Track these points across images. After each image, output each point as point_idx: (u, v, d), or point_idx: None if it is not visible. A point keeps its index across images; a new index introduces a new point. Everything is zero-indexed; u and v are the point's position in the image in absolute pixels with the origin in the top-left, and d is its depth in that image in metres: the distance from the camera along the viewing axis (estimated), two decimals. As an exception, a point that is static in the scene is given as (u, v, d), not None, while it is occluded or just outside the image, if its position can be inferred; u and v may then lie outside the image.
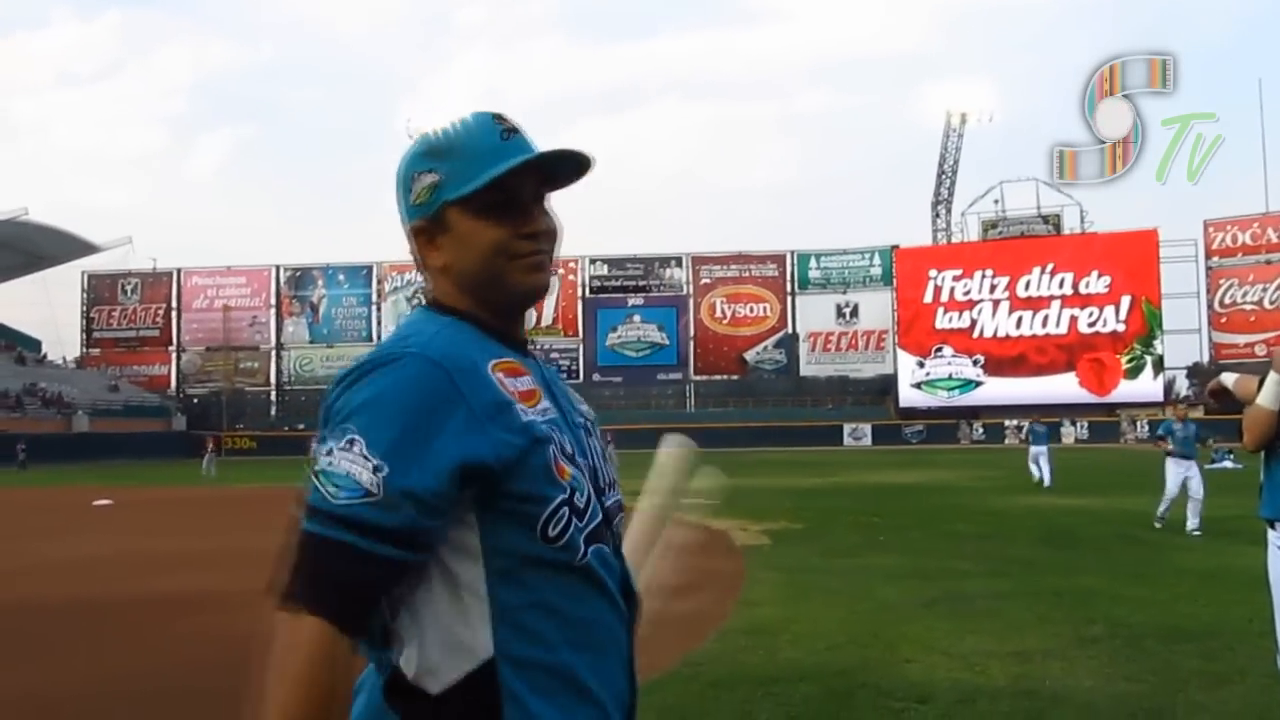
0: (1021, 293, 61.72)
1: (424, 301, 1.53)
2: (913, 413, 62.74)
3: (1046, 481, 22.78)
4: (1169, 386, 58.40)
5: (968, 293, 62.83)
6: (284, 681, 1.23)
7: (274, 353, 71.20)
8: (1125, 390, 59.07)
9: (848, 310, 67.36)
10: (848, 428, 61.69)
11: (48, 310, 78.39)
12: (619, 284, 69.39)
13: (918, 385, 63.37)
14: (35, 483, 34.06)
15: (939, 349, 63.15)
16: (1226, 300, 59.04)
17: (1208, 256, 59.80)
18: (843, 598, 9.06)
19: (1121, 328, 59.74)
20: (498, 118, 1.47)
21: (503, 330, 1.49)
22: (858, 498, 20.82)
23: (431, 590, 1.34)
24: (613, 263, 68.99)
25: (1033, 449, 24.30)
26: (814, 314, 67.97)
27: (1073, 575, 10.17)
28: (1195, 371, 59.82)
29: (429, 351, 1.34)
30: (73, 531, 17.35)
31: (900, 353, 64.44)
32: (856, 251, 68.07)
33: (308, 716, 1.23)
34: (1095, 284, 60.21)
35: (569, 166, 1.49)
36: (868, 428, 61.58)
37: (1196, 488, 13.99)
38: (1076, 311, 60.67)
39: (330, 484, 1.27)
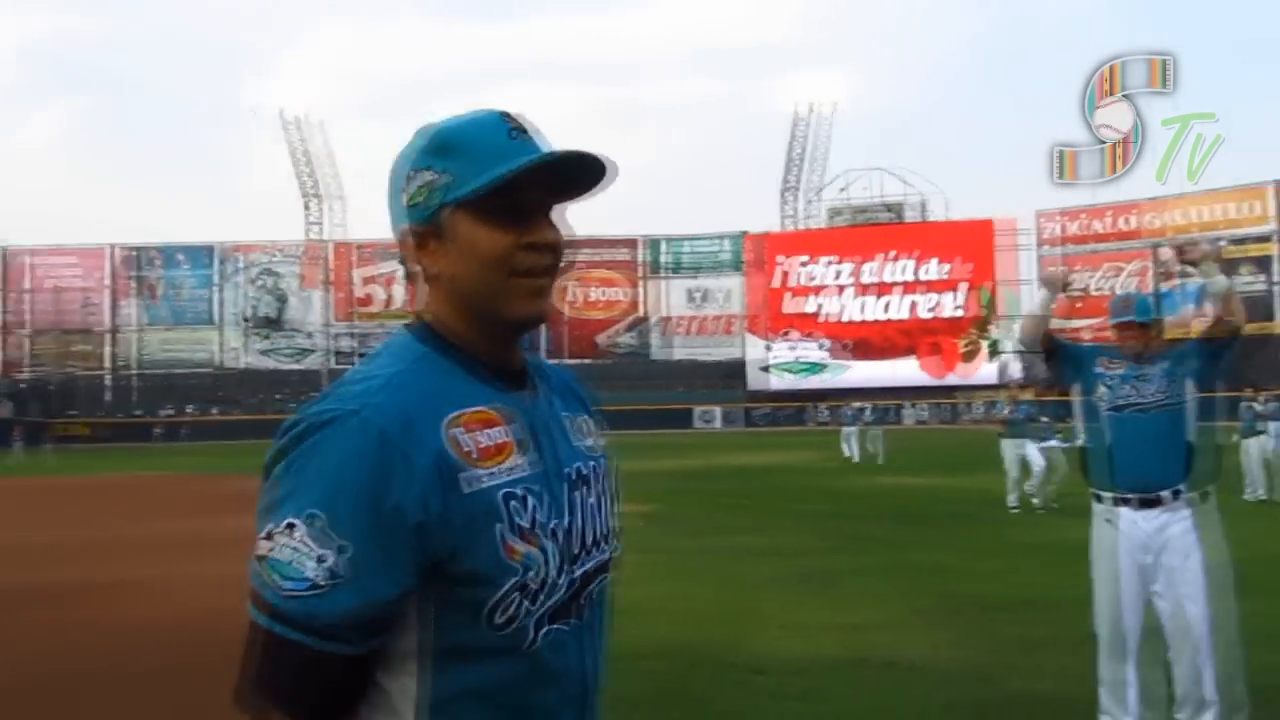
0: (866, 279, 63.60)
1: (416, 317, 1.39)
2: (761, 395, 64.05)
3: (856, 458, 25.96)
4: (1003, 370, 60.80)
5: (814, 278, 64.43)
6: None
7: (109, 336, 68.40)
8: (962, 373, 61.43)
9: (699, 295, 68.32)
10: (697, 411, 62.41)
11: None
12: (470, 267, 68.51)
13: (766, 369, 64.71)
14: None
15: (786, 333, 64.62)
16: (1057, 287, 61.57)
17: (1039, 245, 62.45)
18: (696, 576, 9.33)
19: (960, 313, 62.12)
20: (506, 116, 1.34)
21: (494, 356, 1.39)
22: (711, 479, 21.29)
23: None
24: (464, 245, 67.83)
25: (844, 430, 28.00)
26: (666, 298, 68.76)
27: (909, 551, 10.67)
28: (1025, 351, 62.18)
29: (369, 410, 1.20)
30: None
31: (749, 336, 65.70)
32: (707, 237, 69.05)
33: None
34: (935, 271, 62.48)
35: (583, 175, 1.35)
36: (717, 410, 62.47)
37: (1035, 462, 14.69)
38: (918, 297, 62.86)
39: (274, 573, 1.16)
